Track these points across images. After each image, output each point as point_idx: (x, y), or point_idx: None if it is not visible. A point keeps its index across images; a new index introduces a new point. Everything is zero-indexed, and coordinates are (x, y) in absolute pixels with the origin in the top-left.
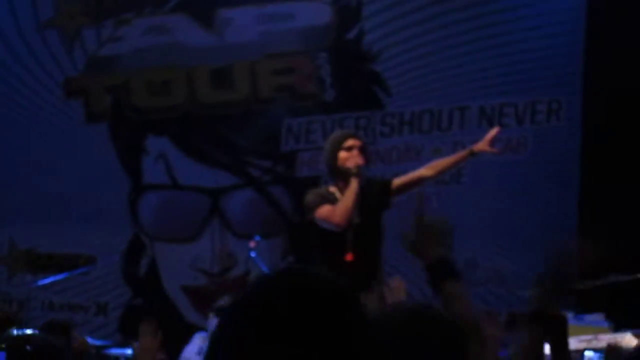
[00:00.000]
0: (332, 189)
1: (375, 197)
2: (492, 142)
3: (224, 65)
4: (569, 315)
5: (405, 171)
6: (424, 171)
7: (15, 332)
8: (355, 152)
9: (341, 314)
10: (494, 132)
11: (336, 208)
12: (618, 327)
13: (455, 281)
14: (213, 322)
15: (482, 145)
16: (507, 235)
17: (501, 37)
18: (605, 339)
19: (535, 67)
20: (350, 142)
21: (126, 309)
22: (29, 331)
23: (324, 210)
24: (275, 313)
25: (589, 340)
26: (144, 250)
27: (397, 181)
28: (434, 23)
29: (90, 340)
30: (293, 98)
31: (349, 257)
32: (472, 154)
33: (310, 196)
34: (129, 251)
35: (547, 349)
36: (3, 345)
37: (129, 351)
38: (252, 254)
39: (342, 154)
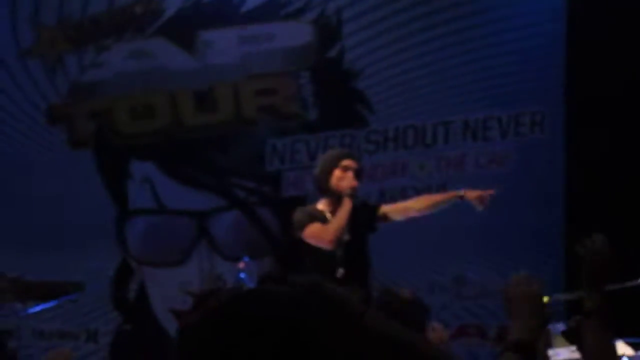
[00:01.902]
0: (320, 206)
1: (363, 219)
2: (484, 201)
3: (206, 87)
4: (560, 326)
5: (391, 187)
6: (411, 204)
7: None
8: (350, 173)
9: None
10: (490, 192)
11: (328, 227)
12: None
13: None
14: None
15: (474, 195)
16: (495, 249)
17: (482, 51)
18: None
19: (518, 80)
20: (347, 163)
21: (116, 335)
22: None
23: (313, 229)
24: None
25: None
26: (133, 276)
27: (385, 208)
28: (414, 39)
29: None
30: (276, 118)
31: (339, 273)
32: (460, 197)
33: (299, 214)
34: (117, 277)
35: None
36: None
37: None
38: (241, 275)
39: (337, 173)
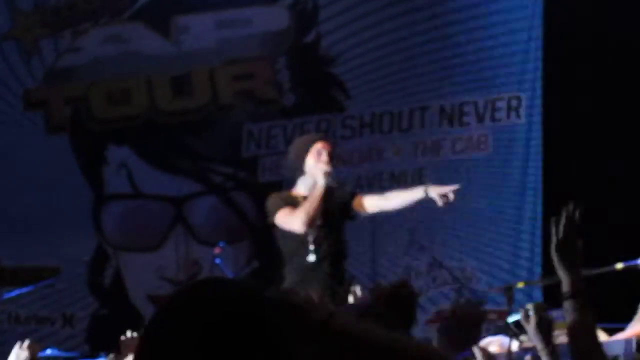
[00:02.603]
0: (295, 192)
1: (340, 204)
2: (447, 197)
3: (183, 72)
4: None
5: (367, 173)
6: (384, 203)
7: None
8: (324, 156)
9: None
10: (454, 188)
11: (298, 211)
12: None
13: None
14: None
15: (438, 191)
16: (471, 233)
17: (459, 36)
18: None
19: (494, 65)
20: (320, 145)
21: (93, 320)
22: None
23: (284, 213)
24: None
25: (555, 335)
26: (109, 261)
27: (362, 199)
28: (390, 24)
29: (57, 352)
30: (253, 103)
31: (310, 258)
32: (426, 194)
33: (272, 199)
34: (93, 262)
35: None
36: None
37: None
38: (217, 261)
39: (311, 157)
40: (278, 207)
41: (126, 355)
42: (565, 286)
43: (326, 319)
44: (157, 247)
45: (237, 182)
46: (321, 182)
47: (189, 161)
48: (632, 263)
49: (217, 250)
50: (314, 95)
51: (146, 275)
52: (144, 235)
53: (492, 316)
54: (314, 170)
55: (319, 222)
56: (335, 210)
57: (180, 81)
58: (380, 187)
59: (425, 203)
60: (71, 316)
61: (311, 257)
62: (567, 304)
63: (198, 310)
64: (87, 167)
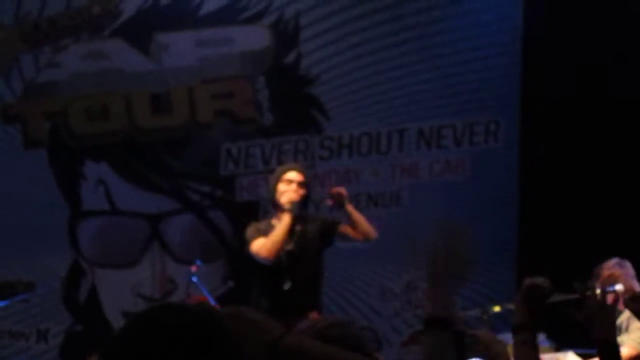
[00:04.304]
0: (274, 221)
1: (318, 231)
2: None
3: (162, 90)
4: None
5: None
6: (354, 234)
7: None
8: (294, 186)
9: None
10: (338, 189)
11: (265, 242)
12: (560, 347)
13: None
14: None
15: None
16: None
17: (438, 60)
18: (546, 358)
19: (473, 89)
20: (289, 176)
21: (67, 336)
22: None
23: (255, 244)
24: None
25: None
26: (84, 276)
27: (343, 228)
28: (371, 46)
29: None
30: (232, 122)
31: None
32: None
33: (249, 229)
34: (69, 277)
35: None
36: None
37: None
38: (194, 279)
39: (281, 187)
40: (252, 238)
41: None
42: (515, 319)
43: (279, 337)
44: (133, 264)
45: (214, 200)
46: (287, 212)
47: (166, 179)
48: (609, 289)
49: (193, 269)
50: (293, 116)
51: (121, 292)
52: (120, 252)
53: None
54: (282, 200)
55: (289, 248)
56: (310, 238)
57: (160, 99)
58: (357, 208)
59: (399, 225)
60: (46, 331)
61: (286, 285)
62: (513, 337)
63: (156, 334)
64: (64, 182)
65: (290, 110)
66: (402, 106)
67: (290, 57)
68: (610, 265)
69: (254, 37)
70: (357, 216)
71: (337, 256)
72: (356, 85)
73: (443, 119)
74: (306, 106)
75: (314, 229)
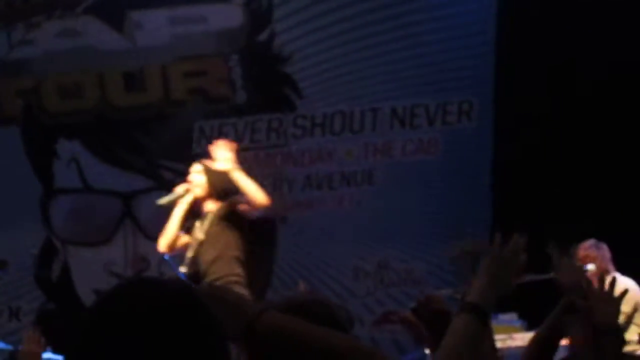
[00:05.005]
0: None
1: (217, 219)
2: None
3: (135, 68)
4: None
5: (317, 173)
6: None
7: None
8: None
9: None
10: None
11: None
12: (531, 326)
13: None
14: None
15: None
16: (420, 235)
17: (412, 39)
18: (519, 338)
19: (446, 69)
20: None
21: (39, 314)
22: None
23: None
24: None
25: (503, 340)
26: (57, 254)
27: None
28: (345, 25)
29: (3, 345)
30: (205, 101)
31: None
32: None
33: None
34: (41, 255)
35: None
36: None
37: (43, 356)
38: (166, 257)
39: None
40: None
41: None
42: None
43: (255, 315)
44: (105, 241)
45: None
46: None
47: (139, 157)
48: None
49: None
50: (266, 94)
51: (94, 270)
52: (93, 230)
53: None
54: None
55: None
56: (209, 227)
57: (133, 77)
58: (330, 187)
59: (372, 205)
60: (17, 309)
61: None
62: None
63: (135, 306)
64: (36, 160)
65: (264, 88)
66: (376, 85)
67: (264, 36)
68: (587, 246)
69: (228, 15)
70: (244, 184)
71: (310, 235)
72: (330, 64)
73: (416, 99)
74: (279, 85)
75: (212, 218)
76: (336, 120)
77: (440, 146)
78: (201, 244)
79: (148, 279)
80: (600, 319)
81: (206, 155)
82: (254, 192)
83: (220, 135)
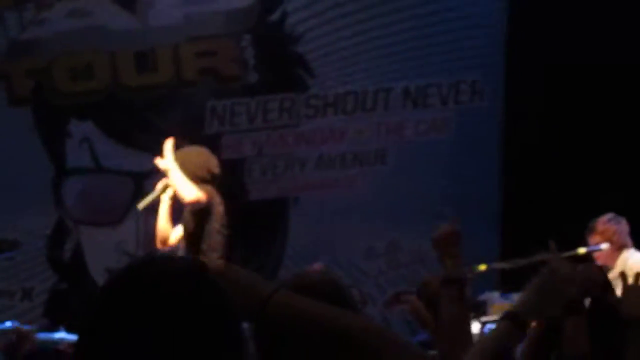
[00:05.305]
0: None
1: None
2: None
3: (147, 48)
4: (496, 294)
5: (329, 153)
6: None
7: None
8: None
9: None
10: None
11: None
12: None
13: None
14: None
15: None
16: (431, 215)
17: (425, 18)
18: None
19: (458, 48)
20: None
21: (52, 294)
22: None
23: None
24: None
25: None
26: (69, 234)
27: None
28: (357, 5)
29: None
30: (217, 81)
31: None
32: None
33: None
34: (53, 235)
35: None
36: None
37: (55, 335)
38: None
39: None
40: None
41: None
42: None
43: (268, 294)
44: (117, 222)
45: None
46: None
47: (151, 137)
48: (594, 248)
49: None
50: (278, 74)
51: (106, 250)
52: (105, 210)
53: None
54: None
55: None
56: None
57: (144, 57)
58: (342, 166)
59: (384, 184)
60: (30, 289)
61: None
62: (442, 291)
63: (145, 284)
64: (48, 140)
65: (276, 68)
66: (388, 65)
67: (276, 15)
68: (605, 220)
69: None
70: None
71: (321, 215)
72: (342, 43)
73: (429, 78)
74: (291, 64)
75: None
76: (348, 100)
77: (452, 125)
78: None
79: (159, 257)
80: (630, 311)
81: (217, 135)
82: (181, 189)
83: (233, 115)
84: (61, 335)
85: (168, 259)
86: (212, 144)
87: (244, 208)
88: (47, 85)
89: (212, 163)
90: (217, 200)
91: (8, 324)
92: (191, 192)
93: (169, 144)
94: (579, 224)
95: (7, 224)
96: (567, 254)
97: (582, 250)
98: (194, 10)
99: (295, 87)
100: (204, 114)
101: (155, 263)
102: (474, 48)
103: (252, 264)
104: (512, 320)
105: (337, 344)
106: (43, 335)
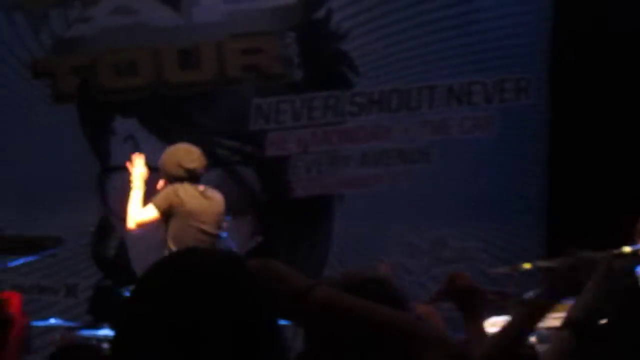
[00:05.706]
0: None
1: None
2: None
3: (191, 45)
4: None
5: (373, 150)
6: None
7: None
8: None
9: (229, 286)
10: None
11: None
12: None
13: None
14: None
15: None
16: (476, 214)
17: (469, 15)
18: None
19: (504, 45)
20: None
21: (96, 291)
22: None
23: None
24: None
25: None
26: (113, 231)
27: None
28: (401, 2)
29: (60, 321)
30: (260, 78)
31: None
32: None
33: None
34: (98, 232)
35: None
36: None
37: (99, 332)
38: (223, 234)
39: None
40: None
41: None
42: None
43: (307, 289)
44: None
45: (243, 156)
46: None
47: (195, 134)
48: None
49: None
50: (323, 71)
51: (150, 247)
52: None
53: (494, 297)
54: None
55: None
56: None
57: (188, 54)
58: (386, 164)
59: (428, 182)
60: (74, 286)
61: None
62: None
63: (181, 276)
64: (93, 137)
65: (320, 65)
66: (433, 62)
67: (321, 13)
68: None
69: None
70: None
71: (365, 212)
72: (386, 41)
73: (473, 76)
74: (336, 62)
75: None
76: (393, 97)
77: (497, 123)
78: None
79: (198, 250)
80: None
81: (262, 132)
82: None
83: (277, 112)
84: (105, 332)
85: (206, 251)
86: (256, 141)
87: (288, 205)
88: (92, 82)
89: (187, 159)
90: (186, 198)
91: (52, 320)
92: (131, 220)
93: (139, 160)
94: (626, 222)
95: (52, 221)
96: (613, 252)
97: (627, 249)
98: (238, 7)
99: (340, 85)
100: (248, 111)
101: (193, 255)
102: (518, 45)
103: (297, 261)
104: (571, 328)
105: (376, 340)
106: (87, 332)
